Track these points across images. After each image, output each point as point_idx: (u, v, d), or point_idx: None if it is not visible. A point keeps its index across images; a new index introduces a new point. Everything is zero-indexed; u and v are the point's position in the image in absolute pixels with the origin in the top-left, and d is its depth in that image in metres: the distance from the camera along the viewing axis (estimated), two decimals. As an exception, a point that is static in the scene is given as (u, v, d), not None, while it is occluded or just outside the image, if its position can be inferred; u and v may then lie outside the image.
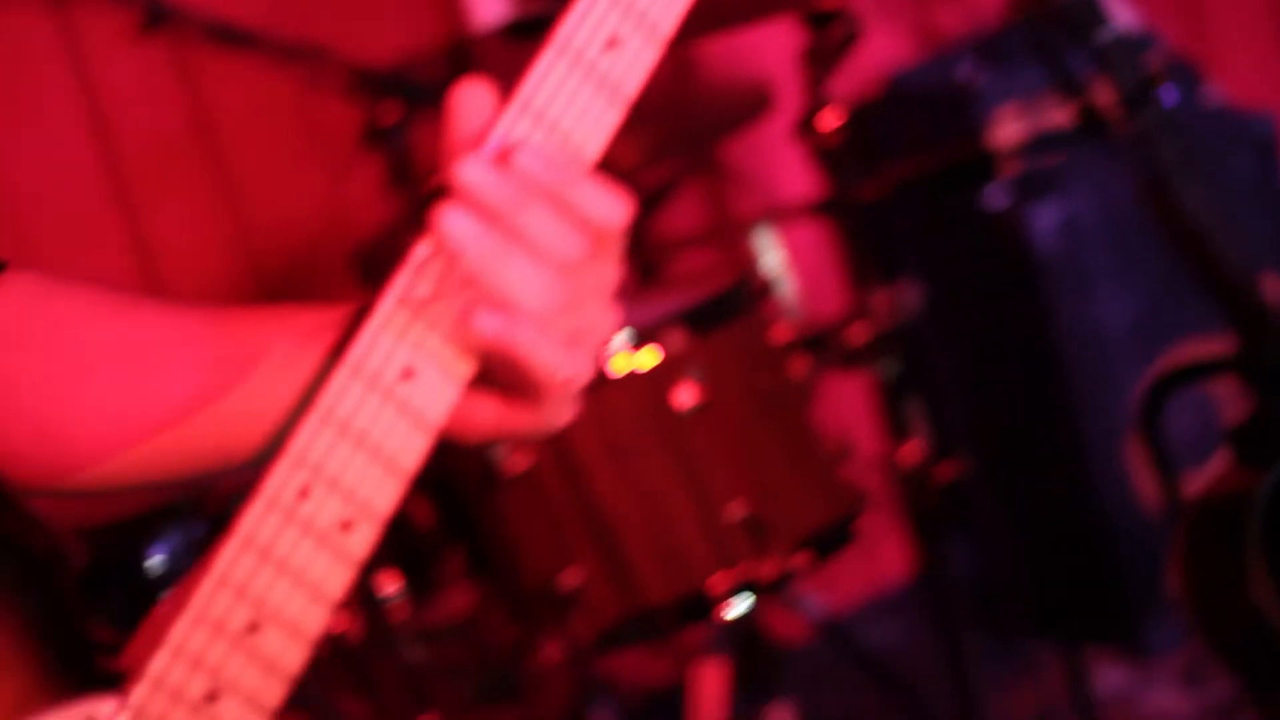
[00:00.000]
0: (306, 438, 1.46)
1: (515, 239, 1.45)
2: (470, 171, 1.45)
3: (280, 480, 1.45)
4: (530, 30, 3.98)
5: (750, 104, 4.36)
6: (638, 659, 4.56)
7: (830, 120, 3.73)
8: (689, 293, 3.73)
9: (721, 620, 3.56)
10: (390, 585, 3.78)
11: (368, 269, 4.62)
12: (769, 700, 4.15)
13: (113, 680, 1.43)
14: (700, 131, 4.40)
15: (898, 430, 3.89)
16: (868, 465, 3.90)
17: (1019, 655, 4.53)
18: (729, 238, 4.59)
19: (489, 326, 1.45)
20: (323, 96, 4.58)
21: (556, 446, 3.55)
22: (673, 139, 4.29)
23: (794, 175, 4.62)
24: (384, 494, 1.49)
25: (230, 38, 4.35)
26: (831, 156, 3.78)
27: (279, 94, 4.60)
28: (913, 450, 3.86)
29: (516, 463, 3.55)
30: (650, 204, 4.48)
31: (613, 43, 1.53)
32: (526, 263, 1.46)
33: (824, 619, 4.55)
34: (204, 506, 3.33)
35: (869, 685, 4.54)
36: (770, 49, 4.53)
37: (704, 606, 3.52)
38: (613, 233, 1.49)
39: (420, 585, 3.88)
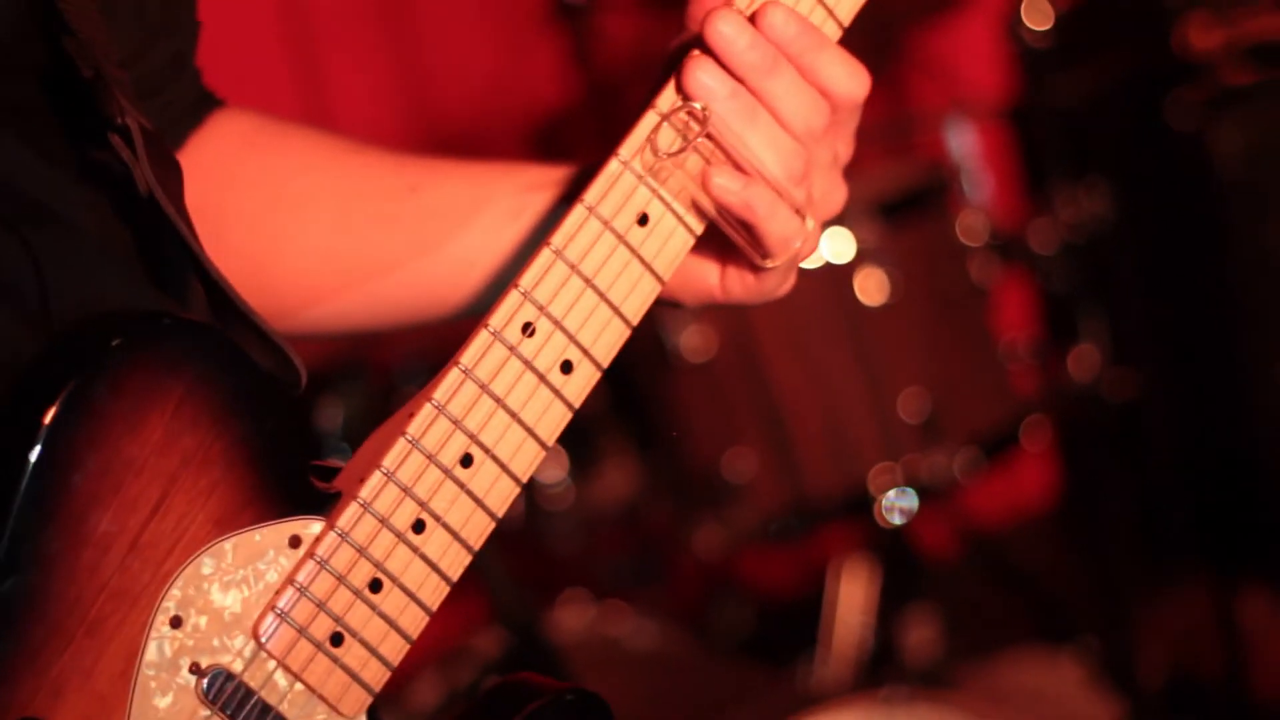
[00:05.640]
0: (535, 275, 1.42)
1: (762, 102, 1.45)
2: (726, 27, 1.43)
3: (506, 315, 1.42)
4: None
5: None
6: (777, 566, 4.52)
7: (1038, 20, 3.63)
8: (882, 183, 3.67)
9: (883, 516, 3.53)
10: (555, 469, 3.77)
11: (541, 146, 4.57)
12: (911, 605, 4.10)
13: (323, 503, 1.40)
14: (891, 18, 4.30)
15: (1071, 337, 3.82)
16: (1037, 369, 3.84)
17: (1169, 578, 4.45)
18: (916, 129, 4.49)
19: (729, 188, 1.44)
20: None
21: (738, 333, 3.52)
22: (860, 22, 4.18)
23: (983, 71, 4.51)
24: (606, 339, 1.45)
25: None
26: (1031, 57, 3.69)
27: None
28: (1085, 357, 3.79)
29: (697, 346, 3.52)
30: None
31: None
32: (771, 127, 1.45)
33: (973, 531, 4.49)
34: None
35: (1015, 600, 4.48)
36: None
37: (867, 499, 3.49)
38: (852, 105, 1.48)
39: (584, 459, 3.85)
